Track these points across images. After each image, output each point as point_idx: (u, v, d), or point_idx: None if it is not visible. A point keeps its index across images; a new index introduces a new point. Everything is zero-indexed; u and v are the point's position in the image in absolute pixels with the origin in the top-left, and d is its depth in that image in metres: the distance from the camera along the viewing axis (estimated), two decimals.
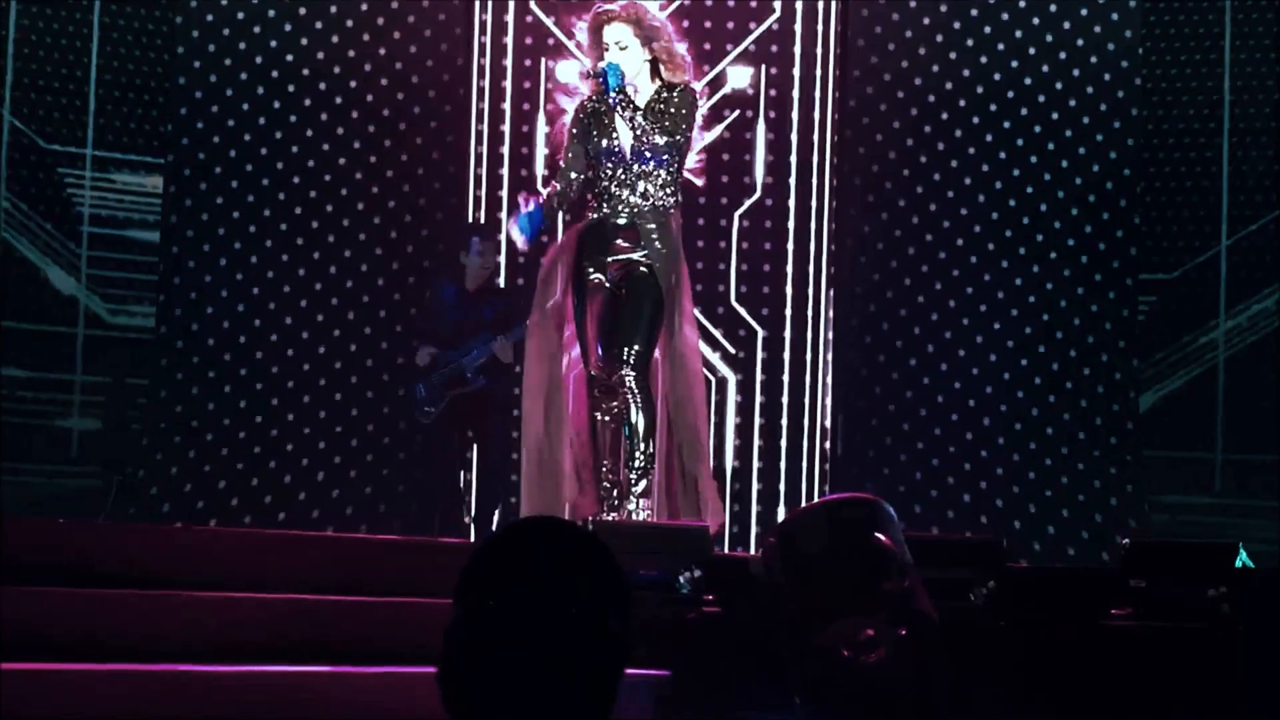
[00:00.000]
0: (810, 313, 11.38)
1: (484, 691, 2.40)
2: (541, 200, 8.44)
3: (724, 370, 11.41)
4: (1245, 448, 12.37)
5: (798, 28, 11.18)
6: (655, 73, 8.33)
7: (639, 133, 8.15)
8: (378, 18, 11.61)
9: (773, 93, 11.28)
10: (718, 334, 11.36)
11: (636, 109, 8.14)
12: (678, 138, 8.22)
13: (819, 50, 11.23)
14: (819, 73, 11.20)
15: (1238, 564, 7.47)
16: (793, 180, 11.30)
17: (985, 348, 11.55)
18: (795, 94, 11.24)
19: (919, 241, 11.57)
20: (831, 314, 11.43)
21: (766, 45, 11.33)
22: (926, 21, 11.49)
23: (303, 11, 11.58)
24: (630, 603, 2.52)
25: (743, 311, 11.50)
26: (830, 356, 11.44)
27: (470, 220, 11.51)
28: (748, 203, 11.42)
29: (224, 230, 11.51)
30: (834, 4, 11.32)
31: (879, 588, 7.14)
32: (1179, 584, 6.96)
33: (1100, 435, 11.53)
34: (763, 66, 11.21)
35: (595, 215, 8.33)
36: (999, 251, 11.55)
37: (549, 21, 11.30)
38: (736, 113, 11.31)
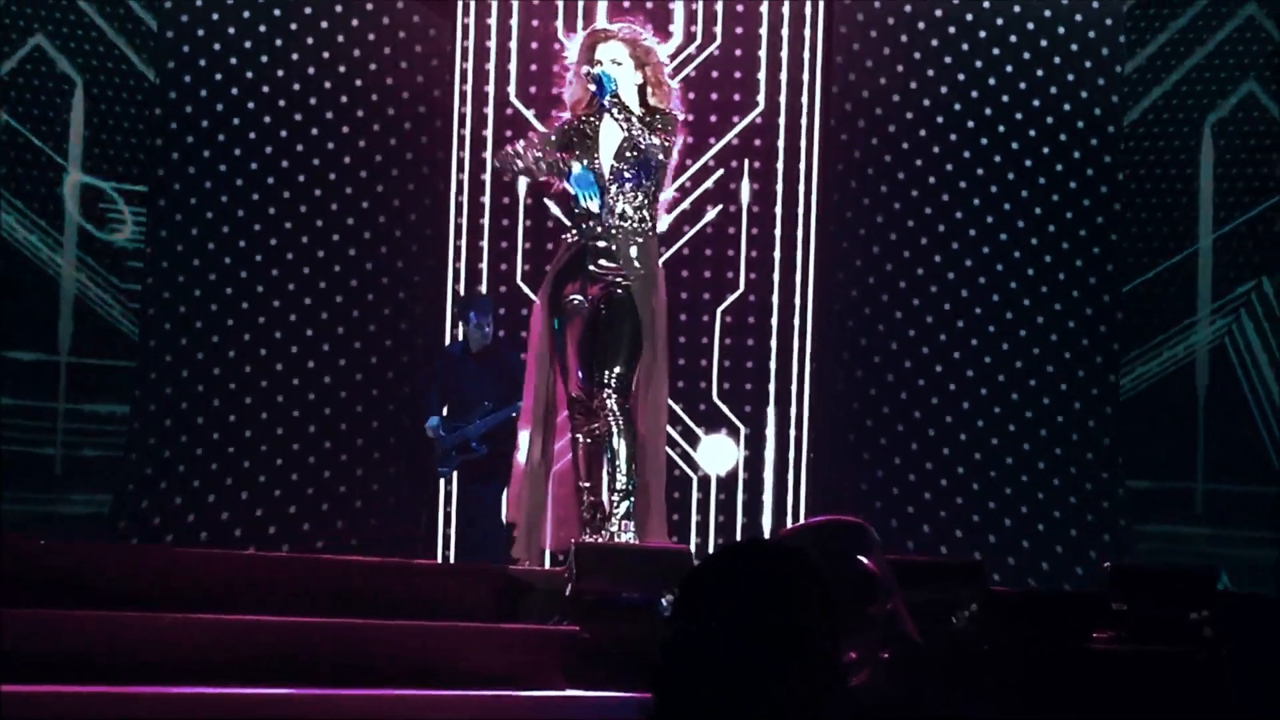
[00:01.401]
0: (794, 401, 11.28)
1: (697, 711, 2.36)
2: (505, 152, 8.45)
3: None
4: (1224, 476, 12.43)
5: (781, 121, 11.11)
6: (643, 98, 8.29)
7: (634, 135, 8.10)
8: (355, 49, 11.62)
9: (755, 186, 11.20)
10: (700, 431, 11.26)
11: (630, 113, 8.10)
12: (660, 158, 8.18)
13: (802, 143, 11.14)
14: (802, 166, 11.12)
15: (1220, 585, 7.45)
16: (776, 276, 11.21)
17: (961, 364, 11.53)
18: (779, 188, 11.16)
19: (896, 259, 11.54)
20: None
21: (749, 138, 11.26)
22: (910, 87, 11.47)
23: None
24: (844, 628, 2.51)
25: (725, 408, 11.40)
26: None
27: (452, 286, 11.57)
28: (731, 298, 11.34)
29: (206, 253, 11.53)
30: (816, 98, 11.23)
31: (864, 611, 7.11)
32: (1161, 607, 6.93)
33: (1077, 452, 11.51)
34: (745, 160, 11.13)
35: (574, 237, 8.28)
36: (974, 271, 11.52)
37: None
38: (719, 207, 11.23)
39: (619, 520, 8.08)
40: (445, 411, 11.06)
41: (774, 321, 11.24)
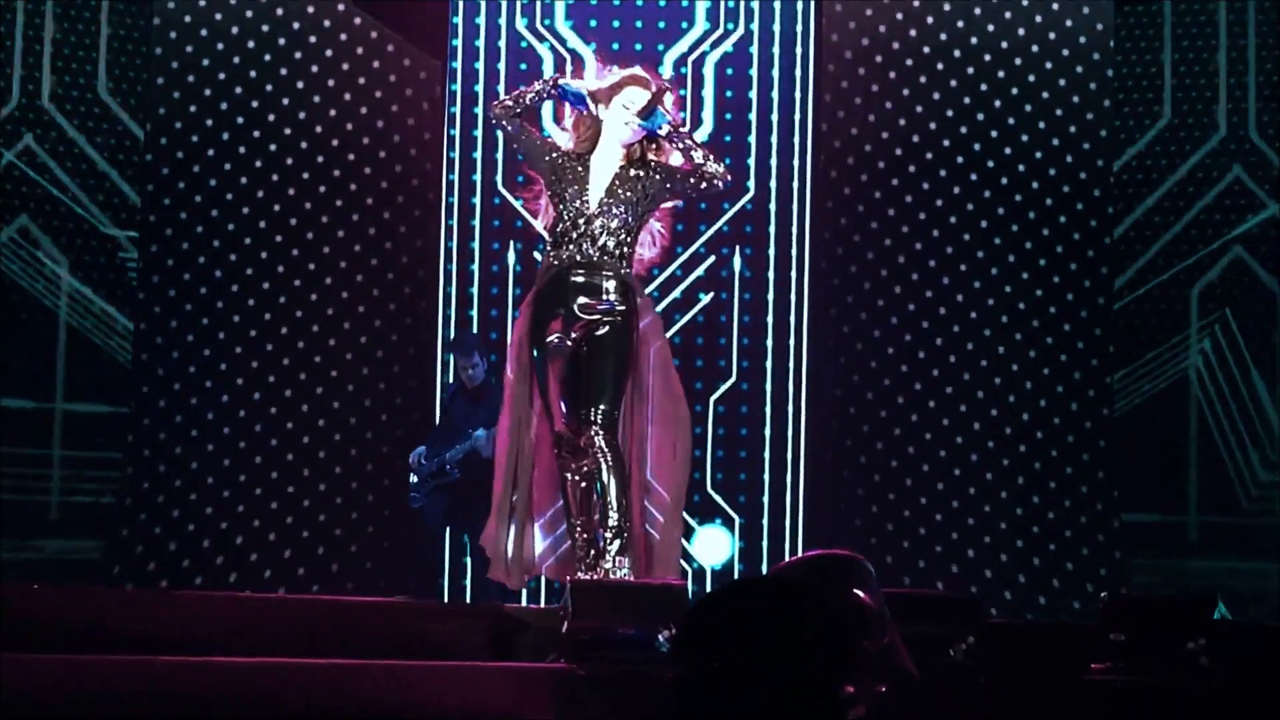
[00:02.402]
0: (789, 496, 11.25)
1: None
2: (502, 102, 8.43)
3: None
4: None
5: (772, 207, 11.12)
6: (643, 150, 8.27)
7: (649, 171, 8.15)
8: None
9: (748, 274, 11.20)
10: (694, 522, 11.17)
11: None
12: (646, 203, 8.20)
13: (794, 230, 11.15)
14: (794, 252, 11.13)
15: (1216, 615, 7.42)
16: (769, 363, 11.20)
17: (955, 398, 11.52)
18: (771, 274, 11.16)
19: (886, 329, 11.55)
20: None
21: (740, 225, 11.25)
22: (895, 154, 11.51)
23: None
24: (851, 662, 2.49)
25: (719, 499, 11.35)
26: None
27: (445, 330, 11.63)
28: (724, 387, 11.31)
29: (198, 297, 11.53)
30: (808, 182, 11.24)
31: (860, 645, 7.08)
32: (1158, 637, 6.91)
33: (1072, 485, 11.50)
34: (737, 248, 11.14)
35: (555, 262, 8.25)
36: (966, 306, 11.53)
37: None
38: (711, 295, 11.24)
39: (613, 557, 8.05)
40: (430, 443, 11.09)
41: (768, 410, 11.20)
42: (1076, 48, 11.57)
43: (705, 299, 11.14)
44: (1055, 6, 11.51)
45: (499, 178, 11.37)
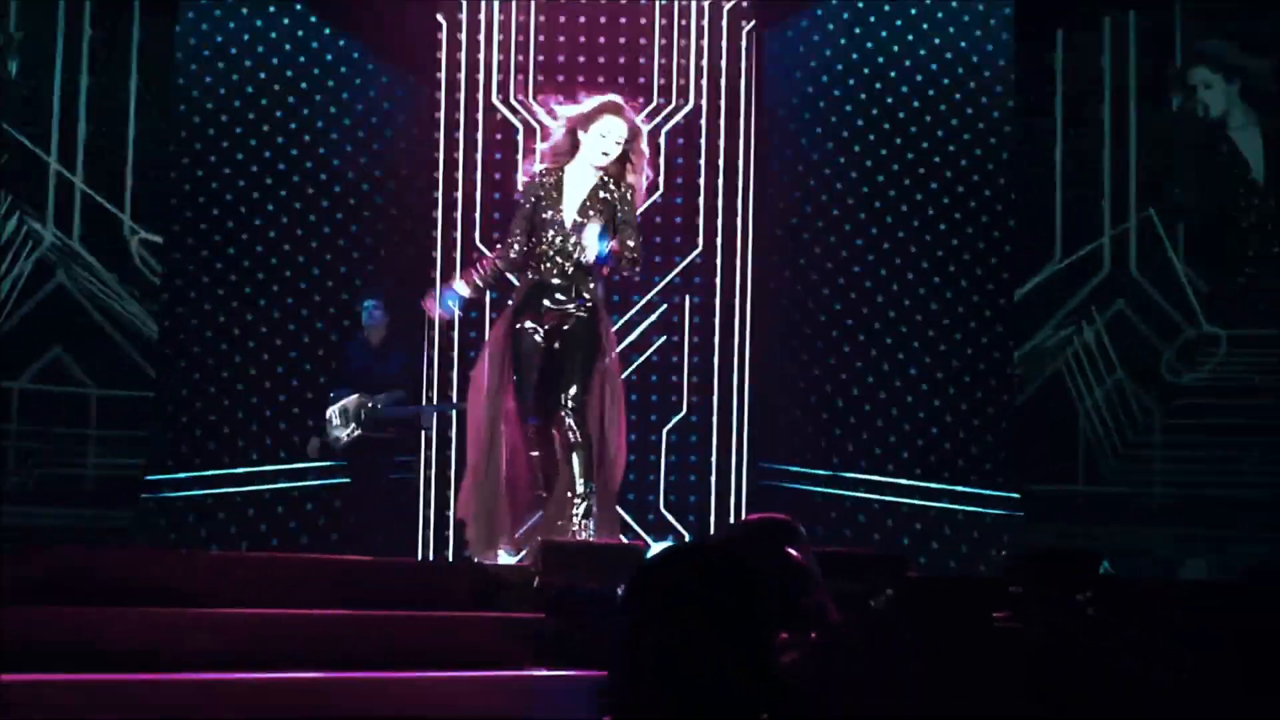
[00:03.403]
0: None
1: (646, 689, 2.37)
2: (482, 268, 8.42)
3: None
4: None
5: (718, 261, 11.13)
6: (620, 173, 8.25)
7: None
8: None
9: (696, 320, 11.18)
10: (650, 539, 11.03)
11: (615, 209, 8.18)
12: (616, 220, 8.20)
13: (737, 280, 11.14)
14: (737, 300, 11.13)
15: (1101, 570, 7.47)
16: (715, 398, 11.18)
17: (880, 408, 11.64)
18: (716, 320, 11.16)
19: (826, 339, 11.66)
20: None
21: (689, 276, 11.25)
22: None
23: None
24: (787, 614, 2.55)
25: (671, 518, 11.34)
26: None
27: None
28: (675, 419, 11.29)
29: (216, 297, 11.54)
30: (750, 241, 11.23)
31: (794, 599, 7.11)
32: (1051, 590, 6.94)
33: (979, 464, 11.57)
34: (687, 296, 11.12)
35: (534, 275, 8.26)
36: (891, 322, 11.64)
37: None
38: (664, 338, 11.22)
39: (579, 520, 8.07)
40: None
41: (714, 440, 11.19)
42: (980, 105, 11.68)
43: (659, 341, 11.14)
44: (958, 98, 11.61)
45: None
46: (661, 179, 10.93)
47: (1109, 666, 6.61)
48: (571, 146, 8.24)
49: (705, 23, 11.05)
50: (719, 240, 11.14)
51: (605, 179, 8.18)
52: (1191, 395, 12.51)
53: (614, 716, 2.43)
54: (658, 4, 11.03)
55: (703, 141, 11.11)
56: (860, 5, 11.81)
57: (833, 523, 11.44)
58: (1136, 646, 6.61)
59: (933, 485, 11.59)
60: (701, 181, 11.13)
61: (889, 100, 11.70)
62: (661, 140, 11.02)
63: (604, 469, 8.29)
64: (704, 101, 11.10)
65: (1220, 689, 6.09)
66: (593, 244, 8.02)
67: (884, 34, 11.71)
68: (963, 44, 11.69)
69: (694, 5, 11.05)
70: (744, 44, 11.11)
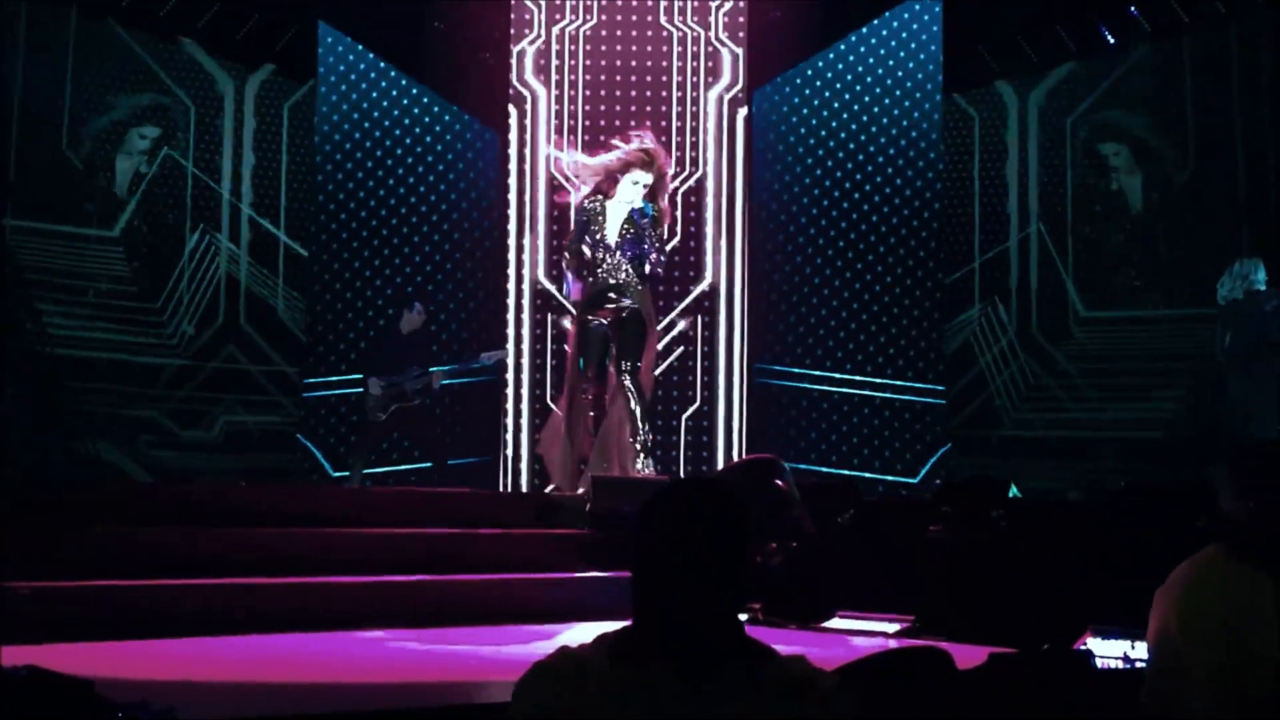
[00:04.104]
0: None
1: (663, 590, 2.39)
2: (567, 264, 8.45)
3: None
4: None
5: (722, 290, 11.06)
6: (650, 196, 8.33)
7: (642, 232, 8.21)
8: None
9: (706, 334, 11.06)
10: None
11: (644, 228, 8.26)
12: (651, 241, 8.27)
13: (738, 309, 11.08)
14: (739, 319, 11.05)
15: (1010, 494, 7.48)
16: (720, 394, 11.04)
17: (846, 356, 11.60)
18: (721, 334, 11.10)
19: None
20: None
21: (700, 301, 11.08)
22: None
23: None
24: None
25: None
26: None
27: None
28: (691, 408, 11.07)
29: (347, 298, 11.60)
30: (745, 280, 11.16)
31: (779, 517, 7.15)
32: (972, 509, 6.95)
33: (917, 408, 11.57)
34: (698, 316, 11.04)
35: (593, 280, 8.34)
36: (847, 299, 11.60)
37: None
38: (681, 348, 11.09)
39: (643, 459, 8.14)
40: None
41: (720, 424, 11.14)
42: (916, 149, 11.66)
43: (678, 351, 11.08)
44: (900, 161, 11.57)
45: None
46: (679, 229, 10.93)
47: (1012, 561, 6.62)
48: (611, 184, 8.32)
49: (710, 108, 11.07)
50: (723, 274, 11.09)
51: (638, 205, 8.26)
52: (1069, 362, 12.54)
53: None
54: (674, 94, 11.03)
55: (709, 200, 11.07)
56: (830, 78, 11.73)
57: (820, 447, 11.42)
58: (1034, 551, 6.60)
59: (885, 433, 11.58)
60: (709, 230, 11.13)
61: (848, 165, 11.65)
62: (679, 199, 11.02)
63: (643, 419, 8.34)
64: (710, 169, 11.09)
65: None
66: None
67: (841, 118, 11.61)
68: (899, 118, 11.59)
69: (702, 95, 11.07)
70: (740, 125, 11.10)
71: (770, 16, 11.43)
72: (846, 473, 11.32)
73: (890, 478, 11.41)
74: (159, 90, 12.32)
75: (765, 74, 11.45)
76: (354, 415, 11.30)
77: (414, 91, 11.71)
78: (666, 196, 8.47)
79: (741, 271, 11.04)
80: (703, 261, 11.01)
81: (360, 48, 11.62)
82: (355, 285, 11.60)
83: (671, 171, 8.42)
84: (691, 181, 11.05)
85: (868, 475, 11.32)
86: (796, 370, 11.53)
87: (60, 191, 11.80)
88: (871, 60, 11.66)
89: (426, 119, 11.72)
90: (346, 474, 10.86)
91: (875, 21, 11.71)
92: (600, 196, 8.33)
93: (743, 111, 11.11)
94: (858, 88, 11.66)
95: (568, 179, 8.84)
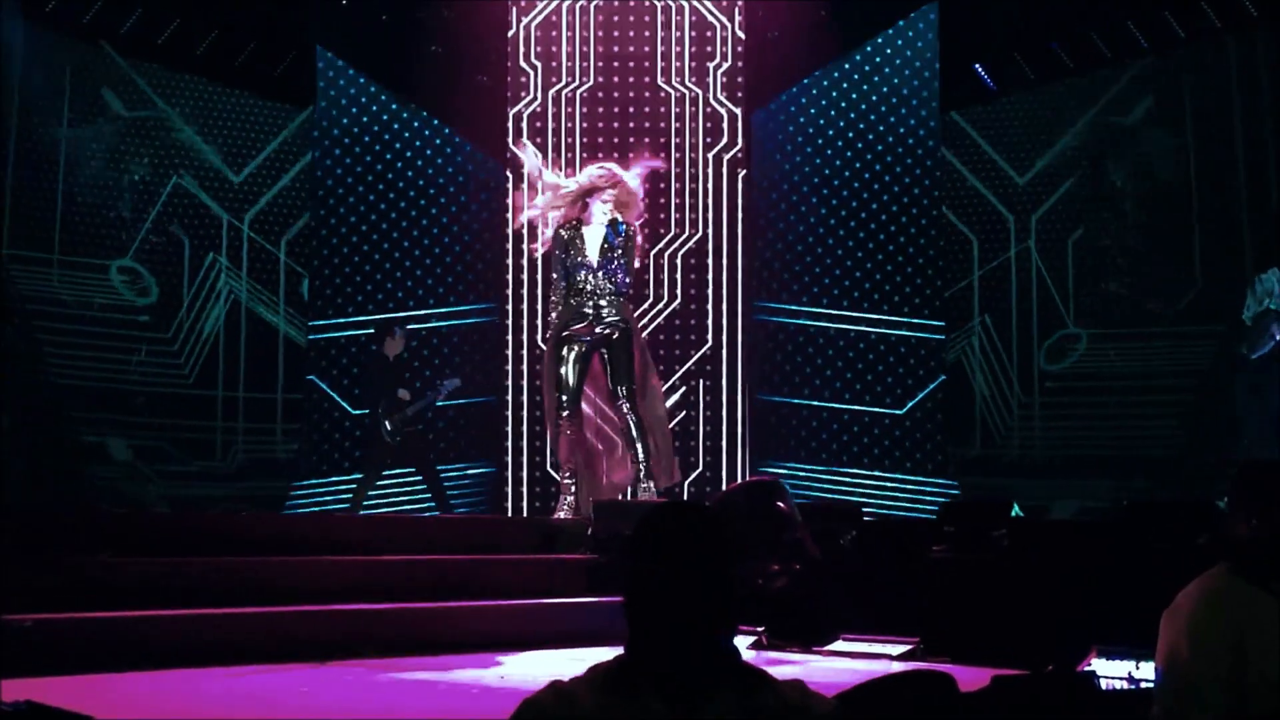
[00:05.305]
0: None
1: (653, 614, 2.39)
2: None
3: None
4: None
5: (724, 329, 11.09)
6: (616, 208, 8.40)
7: (614, 245, 8.25)
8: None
9: (708, 398, 11.09)
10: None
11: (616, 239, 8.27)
12: (628, 260, 8.30)
13: (737, 346, 11.07)
14: (740, 343, 11.06)
15: (1012, 514, 7.45)
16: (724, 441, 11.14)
17: (854, 378, 11.60)
18: (723, 354, 11.10)
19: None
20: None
21: (702, 364, 11.14)
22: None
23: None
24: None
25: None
26: None
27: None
28: (693, 474, 11.12)
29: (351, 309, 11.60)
30: (738, 303, 11.18)
31: (781, 539, 7.13)
32: (974, 528, 6.94)
33: (916, 434, 11.55)
34: (700, 380, 11.07)
35: (574, 301, 8.34)
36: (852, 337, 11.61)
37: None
38: (684, 412, 11.07)
39: (645, 481, 8.14)
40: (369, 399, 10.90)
41: (724, 413, 11.15)
42: (918, 155, 11.65)
43: (680, 414, 11.01)
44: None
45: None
46: (679, 291, 10.94)
47: (1016, 581, 6.60)
48: (581, 210, 8.37)
49: (710, 170, 11.11)
50: (724, 338, 11.09)
51: (611, 221, 8.30)
52: (1059, 379, 12.54)
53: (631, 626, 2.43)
54: (672, 155, 11.06)
55: (710, 261, 11.11)
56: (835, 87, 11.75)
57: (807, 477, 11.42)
58: (1035, 569, 6.59)
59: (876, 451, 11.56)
60: (710, 292, 11.14)
61: (852, 183, 11.66)
62: (679, 260, 11.04)
63: (653, 414, 8.30)
64: (710, 231, 11.13)
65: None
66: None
67: (839, 142, 11.62)
68: (896, 145, 11.61)
69: (700, 156, 11.12)
70: (740, 185, 11.14)
71: (769, 36, 11.45)
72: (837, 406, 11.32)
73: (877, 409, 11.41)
74: (159, 115, 12.36)
75: (762, 94, 11.46)
76: (357, 450, 11.32)
77: (405, 116, 11.72)
78: (638, 205, 8.50)
79: (743, 334, 10.97)
80: (704, 324, 11.02)
81: (352, 71, 11.65)
82: (355, 301, 11.61)
83: (635, 186, 8.42)
84: (691, 244, 11.11)
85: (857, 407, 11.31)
86: (793, 307, 11.52)
87: (61, 220, 11.84)
88: (875, 78, 11.64)
89: (418, 142, 11.72)
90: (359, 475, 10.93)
91: (879, 39, 11.70)
92: (575, 221, 8.38)
93: (742, 173, 11.14)
94: (862, 106, 11.67)
95: (531, 185, 8.86)
